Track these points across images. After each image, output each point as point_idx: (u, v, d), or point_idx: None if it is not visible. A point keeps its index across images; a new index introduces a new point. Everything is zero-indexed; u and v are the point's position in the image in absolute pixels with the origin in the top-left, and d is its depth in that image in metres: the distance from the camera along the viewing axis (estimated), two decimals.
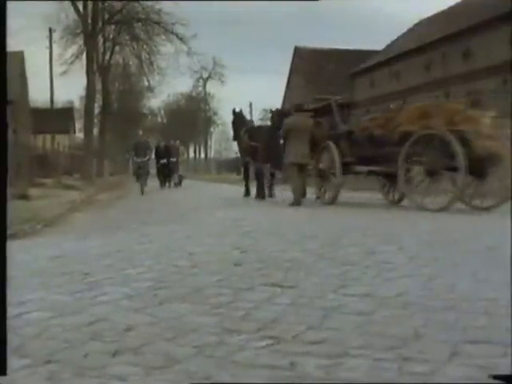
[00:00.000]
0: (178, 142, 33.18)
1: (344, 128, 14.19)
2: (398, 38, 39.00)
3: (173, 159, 28.87)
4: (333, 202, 13.93)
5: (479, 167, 11.82)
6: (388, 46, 39.00)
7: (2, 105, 2.49)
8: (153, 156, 27.76)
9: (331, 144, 13.91)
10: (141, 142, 24.65)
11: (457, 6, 34.45)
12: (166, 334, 3.15)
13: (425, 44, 32.38)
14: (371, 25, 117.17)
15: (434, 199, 12.00)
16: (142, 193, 22.04)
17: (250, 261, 5.47)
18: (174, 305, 3.81)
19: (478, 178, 12.10)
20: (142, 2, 38.95)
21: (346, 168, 13.81)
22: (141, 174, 23.17)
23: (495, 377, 2.44)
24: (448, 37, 30.08)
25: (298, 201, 13.68)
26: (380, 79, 36.57)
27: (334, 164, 13.83)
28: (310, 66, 46.33)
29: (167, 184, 29.22)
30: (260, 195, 16.84)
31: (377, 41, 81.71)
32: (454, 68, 29.54)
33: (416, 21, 40.23)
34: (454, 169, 11.58)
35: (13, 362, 2.71)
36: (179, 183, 29.71)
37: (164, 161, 28.69)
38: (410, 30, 39.15)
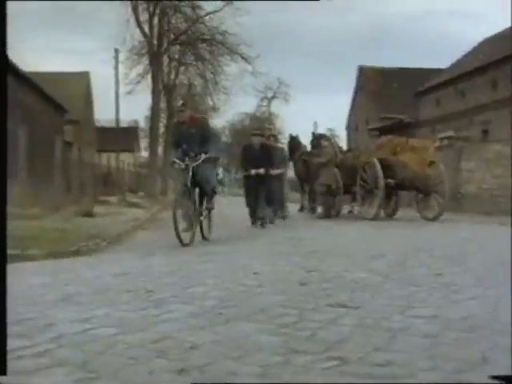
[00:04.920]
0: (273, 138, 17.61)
1: (339, 158, 17.52)
2: (463, 57, 38.56)
3: (275, 171, 14.53)
4: (337, 214, 17.27)
5: (423, 186, 15.56)
6: (453, 65, 38.57)
7: (1, 106, 2.47)
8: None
9: (336, 170, 17.09)
10: (185, 126, 10.42)
11: None
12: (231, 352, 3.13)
13: (490, 62, 31.91)
14: (436, 44, 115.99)
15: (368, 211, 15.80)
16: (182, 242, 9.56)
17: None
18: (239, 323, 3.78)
19: (425, 195, 15.78)
20: (207, 24, 39.36)
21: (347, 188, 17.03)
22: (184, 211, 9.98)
23: (495, 377, 2.42)
24: None
25: (327, 214, 17.06)
26: (446, 98, 36.11)
27: (338, 185, 16.95)
28: (374, 84, 46.02)
29: (259, 222, 13.79)
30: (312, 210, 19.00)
31: (441, 59, 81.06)
32: None
33: (481, 39, 39.78)
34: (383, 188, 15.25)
35: (79, 376, 2.72)
36: (283, 217, 16.50)
37: (260, 171, 13.66)
38: (475, 49, 38.68)
